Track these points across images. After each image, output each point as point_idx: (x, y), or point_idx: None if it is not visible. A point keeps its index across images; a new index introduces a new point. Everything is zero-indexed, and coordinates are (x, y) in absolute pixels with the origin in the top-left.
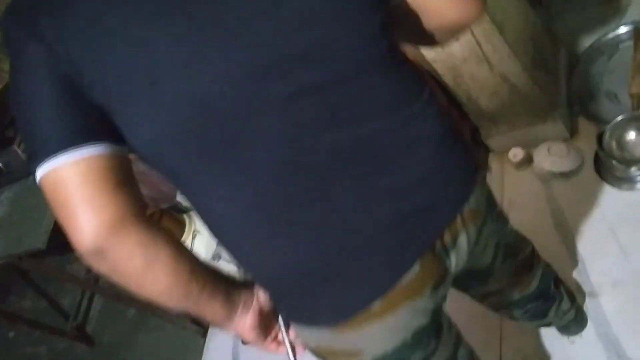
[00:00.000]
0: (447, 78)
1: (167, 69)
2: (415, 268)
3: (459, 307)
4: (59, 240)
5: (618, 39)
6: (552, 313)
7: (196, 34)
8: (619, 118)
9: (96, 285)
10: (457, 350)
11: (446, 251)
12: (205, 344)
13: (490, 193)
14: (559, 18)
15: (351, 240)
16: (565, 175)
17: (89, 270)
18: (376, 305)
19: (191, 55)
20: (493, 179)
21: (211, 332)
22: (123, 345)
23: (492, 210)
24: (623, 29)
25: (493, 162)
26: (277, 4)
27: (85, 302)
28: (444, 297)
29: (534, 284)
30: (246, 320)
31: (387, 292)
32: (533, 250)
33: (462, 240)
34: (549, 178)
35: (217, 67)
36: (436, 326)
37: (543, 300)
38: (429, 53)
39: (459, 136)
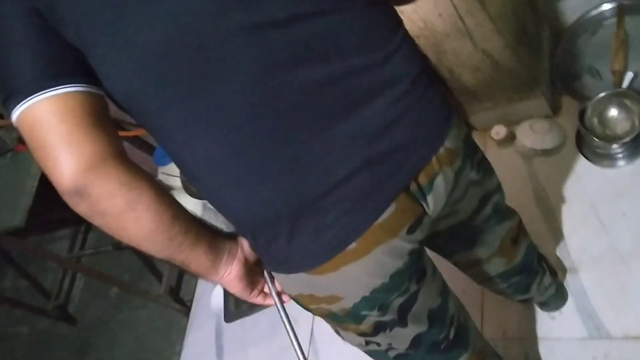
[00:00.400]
0: (430, 54)
1: (135, 2)
2: (391, 208)
3: None
4: (39, 219)
5: (601, 16)
6: (534, 288)
7: None
8: (601, 95)
9: (78, 264)
10: (446, 301)
11: (422, 192)
12: (189, 323)
13: (470, 137)
14: None
15: (325, 181)
16: (547, 153)
17: (70, 249)
18: (352, 246)
19: None
20: None
21: (194, 310)
22: (105, 324)
23: (472, 155)
24: (606, 6)
25: (475, 140)
26: None
27: (67, 282)
28: (422, 242)
29: (519, 257)
30: (231, 271)
31: (362, 233)
32: (520, 222)
33: (439, 182)
34: (531, 155)
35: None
36: (417, 270)
37: (526, 274)
38: (411, 28)
39: (433, 77)
